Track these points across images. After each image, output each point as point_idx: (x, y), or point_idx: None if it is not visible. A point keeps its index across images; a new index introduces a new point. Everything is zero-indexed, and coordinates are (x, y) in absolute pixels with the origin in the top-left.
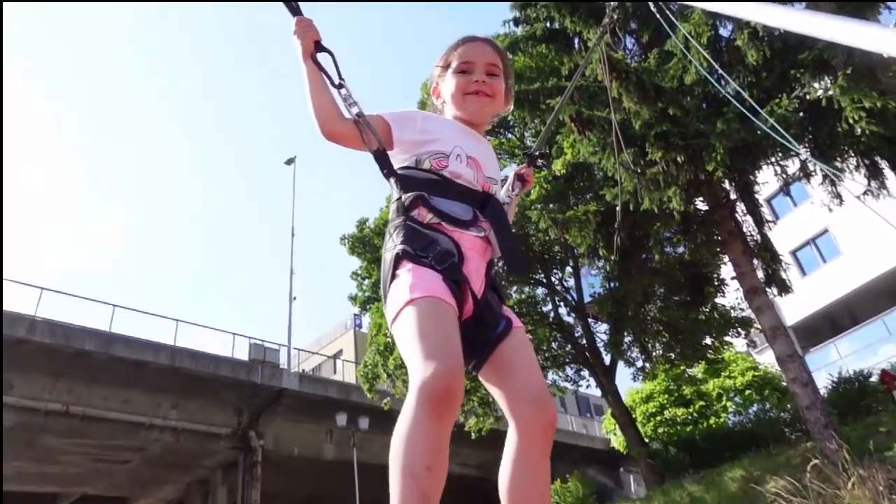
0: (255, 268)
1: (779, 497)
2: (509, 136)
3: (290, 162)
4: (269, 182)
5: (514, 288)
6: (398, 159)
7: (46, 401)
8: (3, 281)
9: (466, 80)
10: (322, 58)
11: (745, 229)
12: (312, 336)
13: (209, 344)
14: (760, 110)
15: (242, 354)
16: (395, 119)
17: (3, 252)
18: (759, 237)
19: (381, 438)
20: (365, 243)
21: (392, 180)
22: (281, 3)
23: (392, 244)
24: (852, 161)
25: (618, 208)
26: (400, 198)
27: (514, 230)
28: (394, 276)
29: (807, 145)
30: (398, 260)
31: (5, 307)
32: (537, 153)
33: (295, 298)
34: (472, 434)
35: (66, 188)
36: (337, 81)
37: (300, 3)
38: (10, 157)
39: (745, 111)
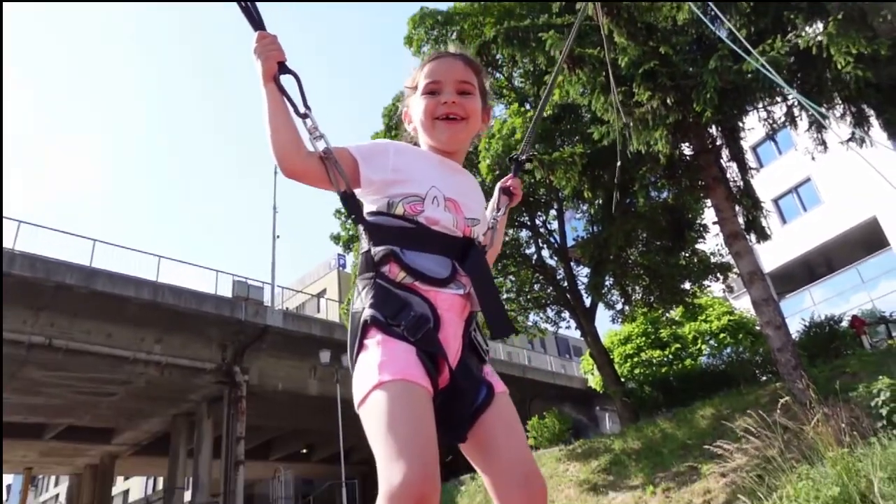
0: (238, 206)
1: (747, 433)
2: (498, 75)
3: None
4: (252, 114)
5: (529, 153)
6: (368, 200)
7: (29, 334)
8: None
9: (435, 102)
10: (286, 81)
11: (728, 175)
12: (296, 275)
13: (192, 282)
14: (752, 50)
15: (226, 292)
16: (364, 155)
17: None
18: (741, 183)
19: None
20: None
21: (361, 228)
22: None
23: (360, 304)
24: (839, 109)
25: (618, 146)
26: (369, 250)
27: (498, 171)
28: (361, 346)
29: (795, 90)
30: (366, 328)
31: None
32: (524, 157)
33: (278, 237)
34: None
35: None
36: (302, 110)
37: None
38: None
39: (737, 50)
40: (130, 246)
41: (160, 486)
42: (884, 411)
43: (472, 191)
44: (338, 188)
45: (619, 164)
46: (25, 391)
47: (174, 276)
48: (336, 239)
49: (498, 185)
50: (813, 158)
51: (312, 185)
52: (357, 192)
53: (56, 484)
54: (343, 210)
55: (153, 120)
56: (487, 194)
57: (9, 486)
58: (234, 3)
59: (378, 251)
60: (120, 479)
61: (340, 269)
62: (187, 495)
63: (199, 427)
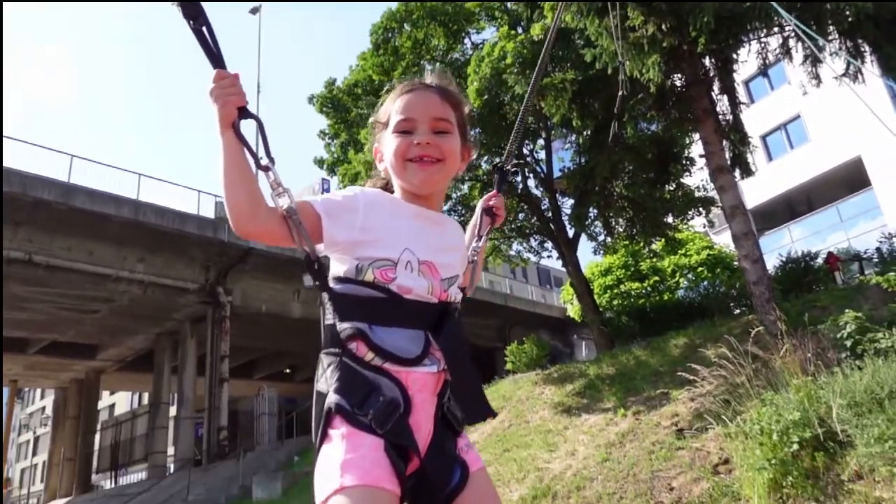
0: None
1: (717, 361)
2: None
3: (254, 11)
4: (233, 33)
5: (486, 158)
6: (334, 258)
7: (7, 249)
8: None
9: (407, 142)
10: (246, 125)
11: (718, 109)
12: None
13: (174, 201)
14: None
15: (209, 213)
16: (330, 211)
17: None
18: (731, 117)
19: None
20: (334, 103)
21: (325, 297)
22: None
23: (325, 386)
24: (835, 44)
25: (620, 75)
26: (335, 325)
27: (486, 96)
28: (325, 436)
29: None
30: (331, 416)
31: None
32: (509, 168)
33: (262, 158)
34: None
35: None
36: (264, 162)
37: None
38: None
39: None
40: (109, 163)
41: (145, 401)
42: (848, 343)
43: (450, 242)
44: (300, 248)
45: (621, 93)
46: (8, 306)
47: (156, 195)
48: (320, 163)
49: (480, 203)
50: (805, 93)
51: (274, 244)
52: (320, 246)
53: (42, 397)
54: (327, 132)
55: (127, 29)
56: (479, 121)
57: None
58: (191, 32)
59: (344, 328)
60: (105, 393)
61: (324, 193)
62: (172, 410)
63: (184, 345)
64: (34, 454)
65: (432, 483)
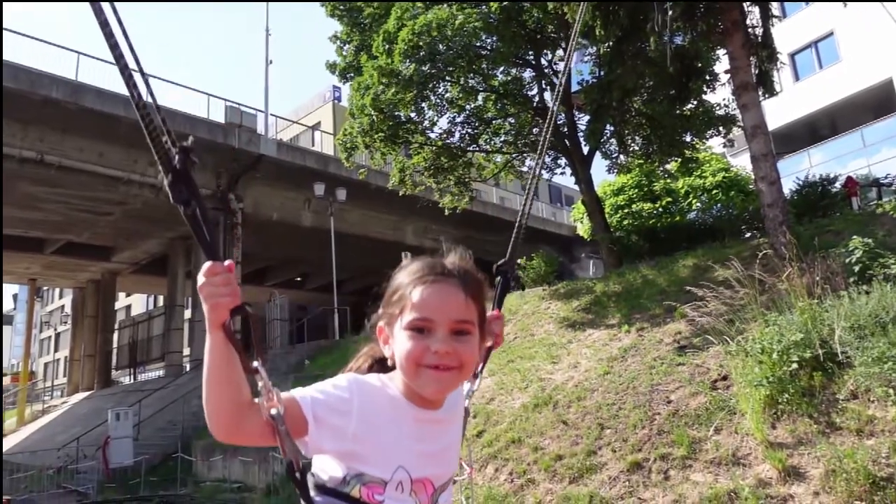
0: (229, 24)
1: (724, 282)
2: None
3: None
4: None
5: (502, 68)
6: (320, 460)
7: (19, 147)
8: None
9: (423, 346)
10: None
11: (748, 21)
12: (290, 106)
13: (183, 104)
14: None
15: (219, 117)
16: (319, 416)
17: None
18: (761, 31)
19: (358, 209)
20: (347, 6)
21: None
22: None
23: None
24: None
25: None
26: None
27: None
28: None
29: None
30: None
31: None
32: (510, 267)
33: (271, 62)
34: (446, 211)
35: None
36: (254, 365)
37: None
38: None
39: None
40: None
41: (160, 303)
42: (857, 268)
43: (449, 441)
44: (286, 457)
45: None
46: (23, 205)
47: (164, 98)
48: (332, 67)
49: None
50: (845, 5)
51: (256, 445)
52: (311, 442)
53: (61, 296)
54: (339, 37)
55: None
56: (498, 28)
57: (15, 296)
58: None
59: None
60: (122, 294)
61: (336, 101)
62: (187, 313)
63: (197, 251)
64: (56, 350)
65: None
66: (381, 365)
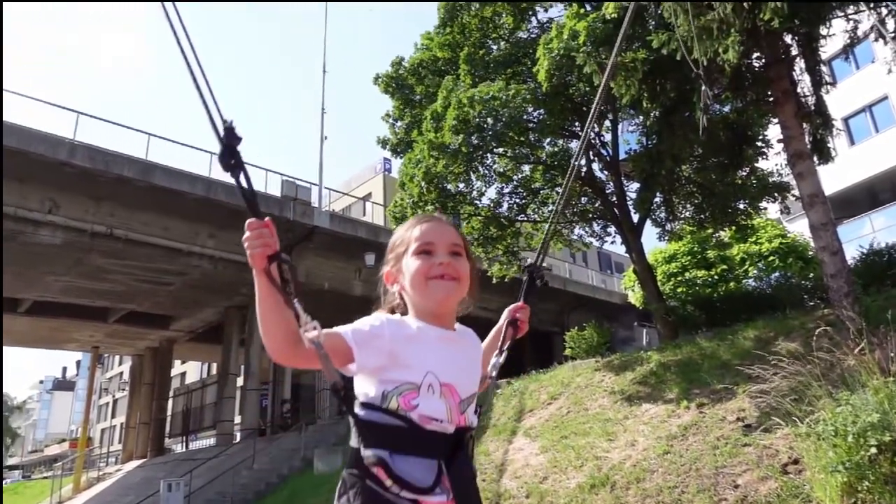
0: (287, 106)
1: (788, 356)
2: None
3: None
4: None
5: (549, 140)
6: (362, 386)
7: (91, 222)
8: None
9: (429, 262)
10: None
11: (799, 90)
12: (342, 178)
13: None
14: None
15: (275, 191)
16: (360, 341)
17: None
18: (813, 99)
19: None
20: (399, 83)
21: (352, 422)
22: None
23: None
24: None
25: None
26: (360, 450)
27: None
28: None
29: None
30: None
31: (43, 128)
32: (537, 269)
33: (326, 138)
34: (494, 279)
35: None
36: (293, 301)
37: None
38: None
39: None
40: (183, 141)
41: (214, 371)
42: None
43: (469, 362)
44: (329, 378)
45: (694, 73)
46: (91, 276)
47: (226, 174)
48: (383, 143)
49: (505, 314)
50: (890, 71)
51: (306, 367)
52: (352, 367)
53: (120, 363)
54: (391, 114)
55: (197, 18)
56: (546, 102)
57: (78, 362)
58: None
59: (369, 455)
60: (177, 362)
61: (386, 173)
62: (239, 381)
63: (251, 319)
64: (113, 416)
65: None
66: None
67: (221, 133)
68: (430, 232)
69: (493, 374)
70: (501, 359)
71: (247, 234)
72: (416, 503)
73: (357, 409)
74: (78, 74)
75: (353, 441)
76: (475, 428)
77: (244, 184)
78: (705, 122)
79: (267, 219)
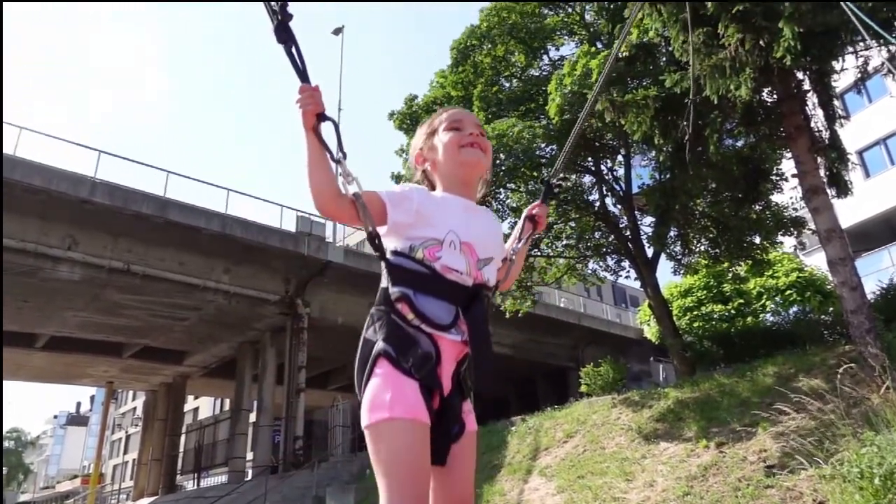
0: (303, 143)
1: (810, 394)
2: (569, 9)
3: (337, 32)
4: (316, 54)
5: (562, 175)
6: (392, 240)
7: (109, 258)
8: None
9: (460, 134)
10: (326, 126)
11: (813, 124)
12: None
13: (258, 215)
14: None
15: (290, 226)
16: (392, 199)
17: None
18: (827, 133)
19: None
20: (413, 120)
21: (383, 265)
22: None
23: (374, 335)
24: None
25: (691, 92)
26: (387, 287)
27: (567, 114)
28: (372, 373)
29: None
30: (378, 358)
31: (66, 167)
32: (556, 181)
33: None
34: (507, 313)
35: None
36: (337, 156)
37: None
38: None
39: None
40: (201, 178)
41: (227, 406)
42: None
43: (487, 231)
44: (366, 228)
45: (688, 110)
46: (108, 312)
47: (242, 209)
48: (397, 179)
49: (525, 211)
50: None
51: (344, 223)
52: (383, 229)
53: (133, 398)
54: (405, 150)
55: (218, 59)
56: (558, 138)
57: (92, 397)
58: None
59: (395, 291)
60: (190, 397)
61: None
62: (252, 417)
63: (264, 355)
64: (125, 452)
65: (442, 429)
66: None
67: (276, 8)
68: (457, 113)
69: (513, 256)
70: (521, 244)
71: (298, 96)
72: (433, 339)
73: (388, 256)
74: (100, 110)
75: (383, 282)
76: (492, 288)
77: (296, 56)
78: (721, 154)
79: (316, 84)
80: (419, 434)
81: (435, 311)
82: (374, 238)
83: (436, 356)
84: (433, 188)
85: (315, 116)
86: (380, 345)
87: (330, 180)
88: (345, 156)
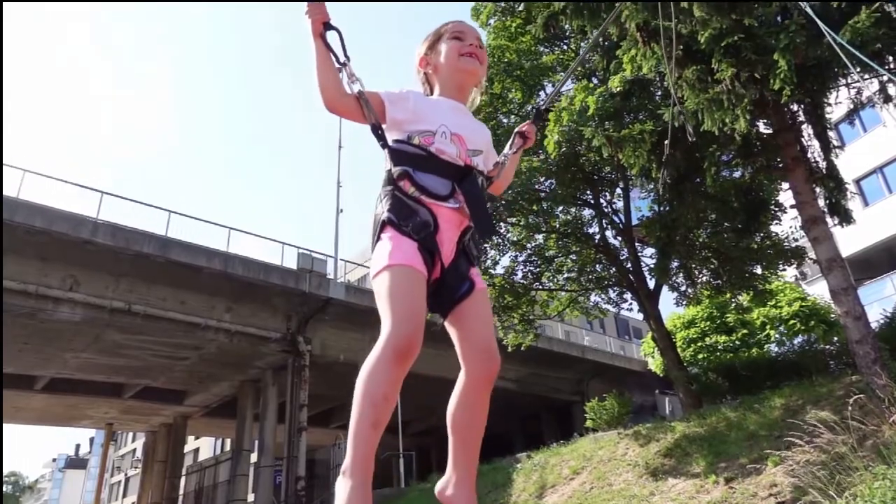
0: (304, 180)
1: (819, 426)
2: (565, 48)
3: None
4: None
5: (561, 208)
6: (392, 133)
7: (110, 299)
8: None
9: (461, 43)
10: (331, 36)
11: (809, 155)
12: (357, 248)
13: (259, 253)
14: (829, 32)
15: (291, 263)
16: (391, 99)
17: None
18: (824, 164)
19: (423, 348)
20: None
21: (386, 152)
22: None
23: (380, 209)
24: None
25: (687, 126)
26: (390, 169)
27: (564, 148)
28: (378, 238)
29: (891, 65)
30: (384, 225)
31: (69, 208)
32: (544, 107)
33: (342, 211)
34: (510, 348)
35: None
36: (342, 60)
37: None
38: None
39: (818, 21)
40: (203, 217)
41: (228, 447)
42: None
43: (475, 129)
44: (368, 121)
45: (667, 143)
46: (108, 352)
47: (243, 247)
48: None
49: (516, 129)
50: None
51: (349, 119)
52: (385, 127)
53: (133, 440)
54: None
55: (221, 98)
56: (556, 172)
57: (91, 439)
58: None
59: (396, 170)
60: (191, 438)
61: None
62: (253, 457)
63: (265, 393)
64: (125, 495)
65: (447, 288)
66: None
67: None
68: (460, 24)
69: (504, 159)
70: (511, 152)
71: (306, 8)
72: (431, 210)
73: (389, 142)
74: (102, 151)
75: (387, 165)
76: (485, 174)
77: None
78: (719, 185)
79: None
80: (414, 278)
81: (433, 185)
82: (377, 128)
83: (434, 224)
84: (432, 92)
85: (322, 24)
86: (384, 214)
87: (335, 79)
88: (349, 59)
